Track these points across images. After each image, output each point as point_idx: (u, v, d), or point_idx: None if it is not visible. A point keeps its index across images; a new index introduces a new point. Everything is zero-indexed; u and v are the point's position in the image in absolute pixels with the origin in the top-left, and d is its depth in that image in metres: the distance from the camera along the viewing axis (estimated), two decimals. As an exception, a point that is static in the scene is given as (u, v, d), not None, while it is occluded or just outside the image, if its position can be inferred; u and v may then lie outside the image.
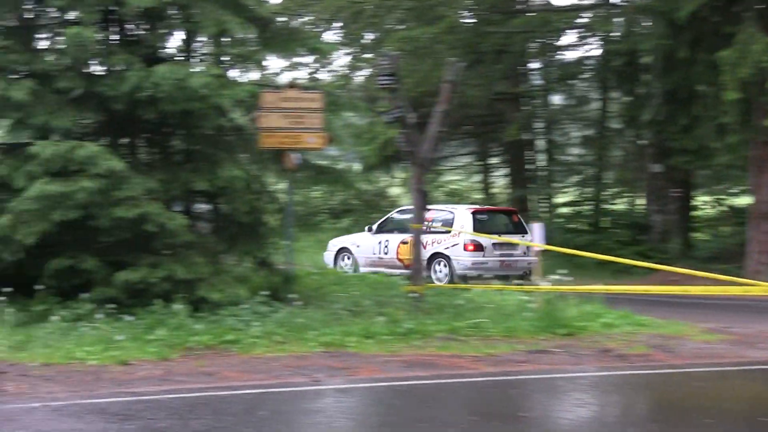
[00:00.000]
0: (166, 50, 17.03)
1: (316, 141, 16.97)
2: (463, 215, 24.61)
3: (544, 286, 16.53)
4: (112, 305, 14.44)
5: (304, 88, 18.56)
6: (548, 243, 17.54)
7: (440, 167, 39.30)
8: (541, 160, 37.96)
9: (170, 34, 16.98)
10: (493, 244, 23.76)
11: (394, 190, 41.68)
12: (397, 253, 25.08)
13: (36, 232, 14.40)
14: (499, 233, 23.80)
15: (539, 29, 32.28)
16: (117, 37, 16.37)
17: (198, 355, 12.88)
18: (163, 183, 15.47)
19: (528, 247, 23.15)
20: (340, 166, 28.23)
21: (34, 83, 15.11)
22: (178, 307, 14.26)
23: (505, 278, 22.32)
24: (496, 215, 25.92)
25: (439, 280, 23.63)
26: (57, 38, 16.37)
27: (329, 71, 36.36)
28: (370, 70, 33.72)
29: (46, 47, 16.61)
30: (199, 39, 17.32)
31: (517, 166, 37.11)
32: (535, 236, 16.93)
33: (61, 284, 14.97)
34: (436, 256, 24.23)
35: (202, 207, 17.40)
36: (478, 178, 42.94)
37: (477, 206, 27.29)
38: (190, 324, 13.98)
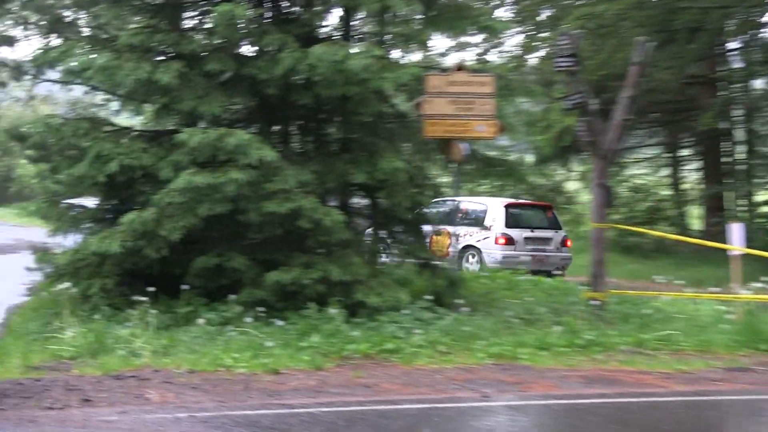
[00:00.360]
0: (323, 29, 17.21)
1: (486, 129, 16.93)
2: (496, 209, 26.16)
3: (745, 294, 16.12)
4: (262, 308, 14.66)
5: (474, 70, 18.51)
6: (748, 246, 17.10)
7: (624, 159, 38.77)
8: (741, 152, 37.05)
9: (328, 11, 17.14)
10: (525, 238, 25.52)
11: (571, 185, 41.34)
12: (430, 244, 26.51)
13: (181, 227, 14.71)
14: (533, 228, 25.48)
15: (740, 4, 31.47)
16: (270, 15, 16.61)
17: (355, 365, 12.95)
18: (318, 175, 15.61)
19: (562, 244, 25.59)
20: (512, 157, 28.16)
21: (182, 65, 15.40)
22: (333, 311, 14.39)
23: (536, 273, 24.02)
24: (531, 210, 27.52)
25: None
26: (206, 17, 16.69)
27: (500, 52, 36.27)
28: (547, 50, 33.47)
29: (194, 26, 16.94)
30: (358, 17, 17.46)
31: (712, 160, 36.36)
32: (734, 238, 16.53)
33: (208, 284, 15.27)
34: (468, 249, 25.95)
35: (359, 202, 17.52)
36: (666, 172, 42.24)
37: (511, 200, 28.66)
38: (346, 330, 14.10)
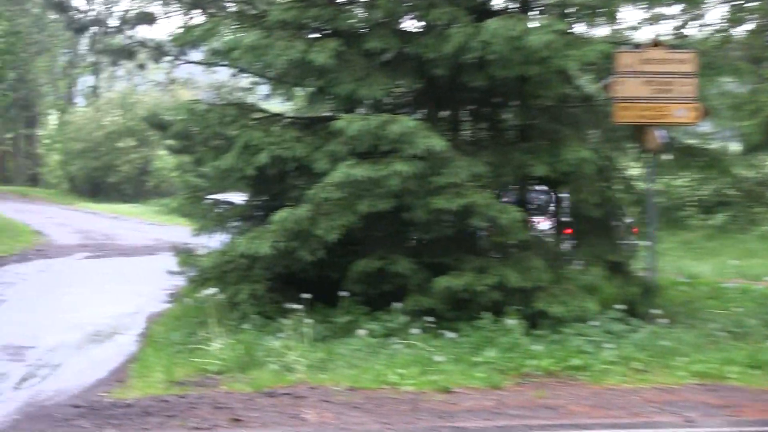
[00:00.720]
0: (498, 1, 17.13)
1: (686, 114, 16.67)
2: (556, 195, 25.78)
3: None
4: (430, 318, 14.70)
5: (672, 46, 18.26)
6: None
7: None
8: None
9: (503, -19, 17.09)
10: None
11: (785, 178, 40.52)
12: None
13: (339, 226, 14.80)
14: None
15: None
16: (438, -15, 16.62)
17: (536, 384, 12.91)
18: (493, 167, 15.57)
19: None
20: (714, 146, 27.72)
21: (339, 44, 15.47)
22: (511, 322, 14.36)
23: None
24: None
25: None
26: (366, -12, 16.79)
27: (702, 25, 35.74)
28: (757, 22, 32.88)
29: (353, 0, 17.02)
30: (538, -14, 17.37)
31: None
32: None
33: (369, 291, 15.36)
34: None
35: (540, 198, 17.43)
36: None
37: None
38: (525, 344, 14.06)
